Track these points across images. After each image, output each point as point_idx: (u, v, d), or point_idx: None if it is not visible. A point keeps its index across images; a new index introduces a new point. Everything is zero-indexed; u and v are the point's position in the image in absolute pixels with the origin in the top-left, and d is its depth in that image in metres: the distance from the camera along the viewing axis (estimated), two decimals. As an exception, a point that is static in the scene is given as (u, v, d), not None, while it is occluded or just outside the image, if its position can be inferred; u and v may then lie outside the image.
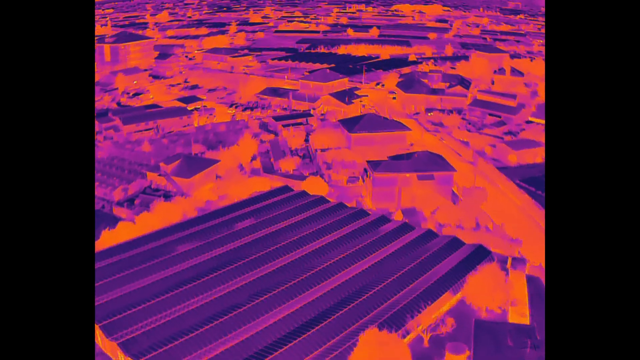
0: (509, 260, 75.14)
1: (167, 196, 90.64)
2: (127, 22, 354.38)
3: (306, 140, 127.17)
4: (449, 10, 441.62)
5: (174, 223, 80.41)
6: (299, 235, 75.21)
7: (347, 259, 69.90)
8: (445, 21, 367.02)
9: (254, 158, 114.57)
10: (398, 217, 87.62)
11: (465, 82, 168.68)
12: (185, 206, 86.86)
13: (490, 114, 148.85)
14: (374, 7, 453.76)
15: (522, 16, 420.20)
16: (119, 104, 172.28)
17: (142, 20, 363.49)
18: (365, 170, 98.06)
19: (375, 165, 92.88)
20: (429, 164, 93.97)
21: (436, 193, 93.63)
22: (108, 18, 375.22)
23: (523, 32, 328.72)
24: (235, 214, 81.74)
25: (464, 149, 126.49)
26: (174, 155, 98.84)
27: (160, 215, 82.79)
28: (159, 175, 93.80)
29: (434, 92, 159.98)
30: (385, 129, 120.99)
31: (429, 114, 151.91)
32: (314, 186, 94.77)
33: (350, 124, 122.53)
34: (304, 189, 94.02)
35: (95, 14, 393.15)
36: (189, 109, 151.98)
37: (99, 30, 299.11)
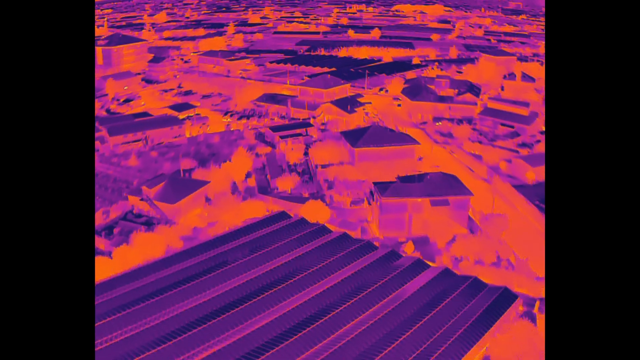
0: (537, 304, 65.60)
1: (150, 224, 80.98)
2: (124, 23, 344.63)
3: (305, 154, 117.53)
4: (450, 11, 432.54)
5: (156, 259, 70.73)
6: (298, 277, 65.45)
7: (352, 308, 60.17)
8: (447, 22, 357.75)
9: (248, 175, 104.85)
10: (409, 248, 78.01)
11: (475, 89, 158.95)
12: (170, 236, 77.27)
13: (502, 124, 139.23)
14: (374, 7, 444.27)
15: (524, 16, 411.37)
16: (108, 111, 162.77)
17: (139, 21, 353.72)
18: (372, 192, 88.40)
19: (382, 188, 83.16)
20: (443, 186, 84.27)
21: (451, 219, 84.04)
22: (106, 18, 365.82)
23: (527, 33, 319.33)
24: (224, 248, 71.98)
25: (476, 163, 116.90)
26: (157, 176, 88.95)
27: (141, 249, 73.20)
28: (141, 200, 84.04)
29: (442, 99, 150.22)
30: (392, 142, 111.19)
31: (437, 124, 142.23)
32: (314, 211, 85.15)
33: (354, 137, 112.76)
34: (303, 214, 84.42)
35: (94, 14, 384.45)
36: (180, 117, 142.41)
37: (95, 31, 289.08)
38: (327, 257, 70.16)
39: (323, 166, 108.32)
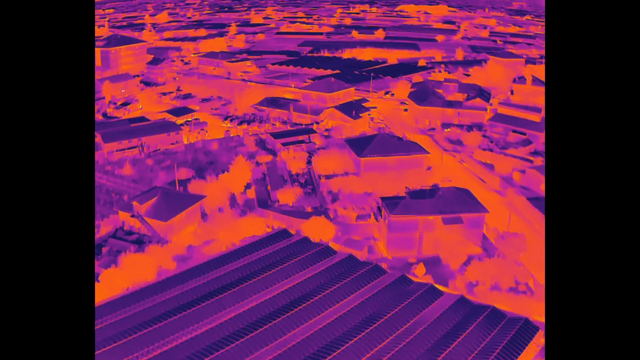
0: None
1: (140, 242, 75.31)
2: (125, 23, 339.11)
3: (308, 163, 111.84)
4: (454, 11, 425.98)
5: (147, 283, 65.18)
6: (301, 306, 59.76)
7: (363, 341, 54.49)
8: (452, 22, 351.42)
9: (248, 187, 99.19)
10: (420, 271, 72.24)
11: (484, 94, 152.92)
12: (162, 257, 71.65)
13: (513, 131, 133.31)
14: (377, 7, 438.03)
15: (528, 17, 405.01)
16: (104, 114, 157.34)
17: (140, 21, 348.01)
18: (379, 208, 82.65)
19: (391, 204, 77.32)
20: (456, 203, 78.46)
21: (464, 238, 78.28)
22: (107, 18, 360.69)
23: (532, 34, 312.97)
24: (220, 271, 66.35)
25: (488, 174, 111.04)
26: (149, 190, 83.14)
27: (130, 271, 67.62)
28: (132, 216, 78.36)
29: (451, 104, 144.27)
30: (400, 151, 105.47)
31: (446, 130, 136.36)
32: (318, 228, 79.51)
33: (359, 146, 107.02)
34: (306, 232, 78.81)
35: (95, 14, 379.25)
36: (178, 122, 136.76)
37: (96, 31, 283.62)
38: (332, 282, 64.48)
39: (327, 177, 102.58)
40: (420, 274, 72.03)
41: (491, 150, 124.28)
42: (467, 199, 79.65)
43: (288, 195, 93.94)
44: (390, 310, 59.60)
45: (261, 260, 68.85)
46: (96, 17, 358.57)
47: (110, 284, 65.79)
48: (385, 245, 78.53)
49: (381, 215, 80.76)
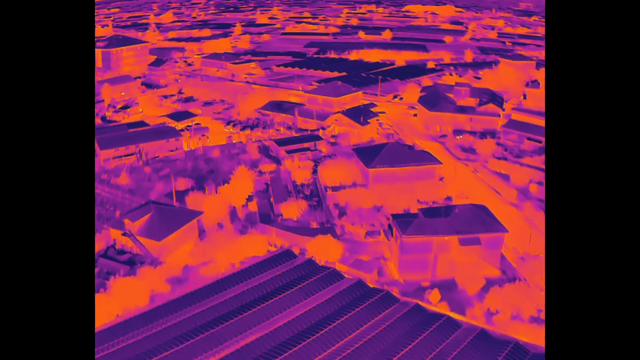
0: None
1: (132, 263, 69.83)
2: (129, 23, 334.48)
3: (314, 172, 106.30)
4: (461, 11, 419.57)
5: (138, 311, 59.85)
6: (307, 340, 54.16)
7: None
8: (459, 23, 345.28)
9: (249, 199, 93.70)
10: (434, 298, 66.49)
11: (497, 99, 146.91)
12: (155, 280, 66.24)
13: (528, 138, 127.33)
14: (384, 7, 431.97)
15: (535, 18, 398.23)
16: (103, 118, 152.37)
17: (145, 21, 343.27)
18: (390, 226, 76.97)
19: (403, 224, 71.50)
20: (474, 222, 72.68)
21: (481, 260, 72.56)
22: (112, 18, 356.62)
23: (540, 35, 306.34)
24: (218, 299, 60.88)
25: (503, 185, 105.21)
26: (142, 206, 77.59)
27: (120, 297, 62.30)
28: (123, 234, 72.91)
29: (463, 110, 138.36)
30: (411, 162, 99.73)
31: (458, 137, 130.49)
32: (324, 248, 73.94)
33: (368, 156, 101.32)
34: (311, 251, 73.37)
35: (100, 13, 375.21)
36: (178, 128, 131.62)
37: (99, 31, 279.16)
38: (340, 313, 58.83)
39: (333, 188, 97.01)
40: (434, 301, 66.33)
41: (505, 159, 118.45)
42: (485, 218, 73.84)
43: (292, 209, 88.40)
44: (404, 346, 53.97)
45: (263, 286, 63.36)
46: (101, 17, 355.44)
47: (98, 310, 60.32)
48: (396, 267, 72.84)
49: (392, 235, 75.08)
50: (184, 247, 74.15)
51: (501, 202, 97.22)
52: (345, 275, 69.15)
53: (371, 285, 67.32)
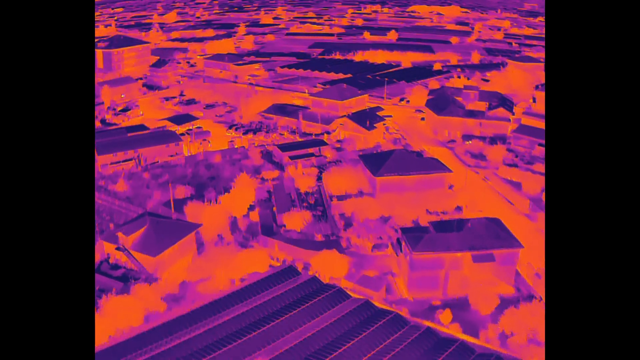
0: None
1: (126, 279, 66.14)
2: (133, 23, 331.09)
3: (319, 179, 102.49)
4: (467, 12, 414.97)
5: (131, 334, 56.14)
6: (308, 370, 50.46)
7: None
8: (465, 24, 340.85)
9: (251, 208, 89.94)
10: (446, 319, 62.63)
11: (507, 103, 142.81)
12: (150, 298, 62.55)
13: (539, 144, 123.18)
14: (389, 8, 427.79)
15: (541, 18, 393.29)
16: (103, 121, 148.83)
17: (148, 21, 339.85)
18: (399, 241, 73.07)
19: (413, 239, 67.57)
20: (487, 237, 68.74)
21: (495, 277, 68.64)
22: (116, 17, 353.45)
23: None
24: (216, 320, 57.09)
25: (514, 194, 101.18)
26: (137, 218, 73.85)
27: (113, 317, 58.63)
28: (117, 249, 69.21)
29: (472, 114, 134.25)
30: (420, 170, 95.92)
31: (467, 143, 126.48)
32: (329, 263, 70.16)
33: (375, 164, 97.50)
34: (315, 267, 69.60)
35: (103, 13, 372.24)
36: (179, 132, 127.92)
37: (102, 31, 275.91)
38: (346, 337, 54.95)
39: (338, 197, 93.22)
40: (446, 322, 62.48)
41: (516, 166, 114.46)
42: (499, 232, 69.88)
43: (296, 220, 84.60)
44: (414, 376, 50.13)
45: (264, 307, 59.55)
46: (104, 17, 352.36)
47: (88, 332, 56.69)
48: (405, 284, 68.95)
49: (401, 250, 71.18)
50: (181, 262, 70.33)
51: (513, 213, 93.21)
52: (352, 294, 65.29)
53: (379, 305, 63.46)
